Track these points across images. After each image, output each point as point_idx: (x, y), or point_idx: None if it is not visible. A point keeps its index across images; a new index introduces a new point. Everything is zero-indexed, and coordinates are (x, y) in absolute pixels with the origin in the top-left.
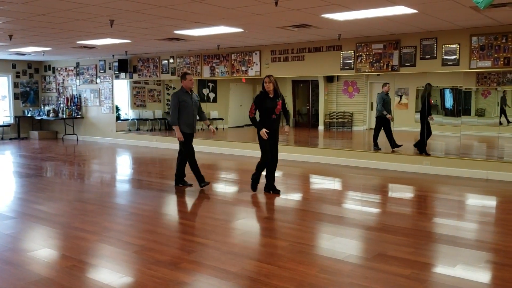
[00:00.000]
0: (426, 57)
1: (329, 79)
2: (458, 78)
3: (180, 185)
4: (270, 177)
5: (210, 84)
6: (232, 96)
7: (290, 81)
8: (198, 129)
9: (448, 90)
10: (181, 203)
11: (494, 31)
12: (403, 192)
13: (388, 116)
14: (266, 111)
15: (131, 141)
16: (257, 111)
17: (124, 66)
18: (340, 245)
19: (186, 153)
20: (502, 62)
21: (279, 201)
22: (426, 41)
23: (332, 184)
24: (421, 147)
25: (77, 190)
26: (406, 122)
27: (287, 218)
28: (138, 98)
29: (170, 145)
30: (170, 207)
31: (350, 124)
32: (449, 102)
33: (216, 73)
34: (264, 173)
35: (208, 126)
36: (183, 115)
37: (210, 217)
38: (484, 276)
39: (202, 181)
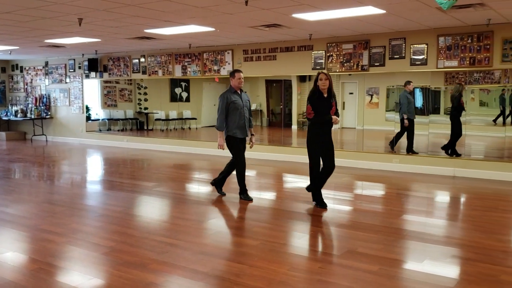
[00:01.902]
0: (395, 57)
1: (302, 79)
2: (426, 78)
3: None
4: (320, 187)
5: (183, 84)
6: (206, 95)
7: (263, 81)
8: (171, 129)
9: (418, 89)
10: (153, 204)
11: (460, 32)
12: (373, 190)
13: (405, 120)
14: (318, 113)
15: (102, 142)
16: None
17: (94, 65)
18: (310, 242)
19: (237, 161)
20: (468, 62)
21: (254, 200)
22: (395, 41)
23: (305, 183)
24: (452, 148)
25: (46, 192)
26: (377, 121)
27: (259, 217)
28: (108, 97)
29: (141, 145)
30: (141, 208)
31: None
32: (419, 101)
33: (188, 72)
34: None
35: (251, 135)
36: (233, 117)
37: (181, 218)
38: (450, 270)
39: (244, 193)
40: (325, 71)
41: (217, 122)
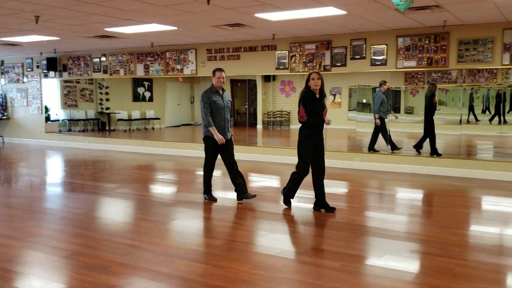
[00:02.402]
0: (356, 57)
1: (267, 79)
2: (386, 78)
3: (241, 200)
4: (320, 193)
5: (146, 83)
6: (169, 95)
7: (228, 81)
8: (133, 129)
9: (378, 89)
10: (115, 206)
11: (418, 33)
12: (336, 188)
13: (377, 120)
14: (312, 115)
15: (62, 143)
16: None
17: (53, 65)
18: (274, 241)
19: (206, 162)
20: (425, 62)
21: (218, 200)
22: (356, 42)
23: (270, 181)
24: (432, 149)
25: (2, 195)
26: (339, 121)
27: (223, 217)
28: (69, 97)
29: (103, 146)
30: (103, 210)
31: (287, 122)
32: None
33: (151, 72)
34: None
35: (230, 136)
36: (213, 118)
37: (144, 219)
38: (409, 264)
39: (209, 193)
40: (317, 70)
41: (204, 121)
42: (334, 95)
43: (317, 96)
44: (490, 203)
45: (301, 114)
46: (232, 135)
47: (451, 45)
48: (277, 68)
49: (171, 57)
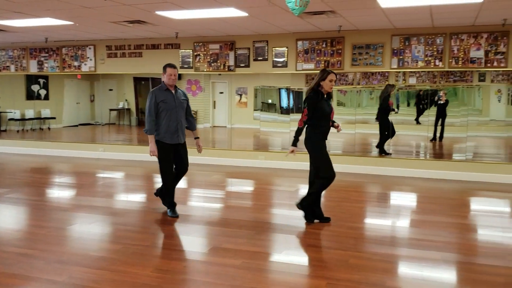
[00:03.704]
0: (259, 58)
1: None
2: (287, 79)
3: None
4: (318, 203)
5: (41, 80)
6: (67, 93)
7: (131, 78)
8: (27, 129)
9: (283, 90)
10: (4, 213)
11: (316, 37)
12: (240, 186)
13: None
14: (323, 116)
15: None
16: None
17: None
18: (176, 242)
19: (161, 171)
20: (323, 65)
21: (119, 203)
22: (258, 44)
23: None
24: (380, 148)
25: None
26: (245, 120)
27: (124, 221)
28: None
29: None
30: None
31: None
32: (284, 101)
33: (45, 68)
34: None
35: (195, 138)
36: (163, 120)
37: (38, 226)
38: (306, 258)
39: (172, 207)
40: (335, 71)
41: (146, 124)
42: (240, 95)
43: (325, 97)
44: (383, 197)
45: (302, 116)
46: (197, 137)
47: (346, 49)
48: (181, 67)
49: (67, 53)
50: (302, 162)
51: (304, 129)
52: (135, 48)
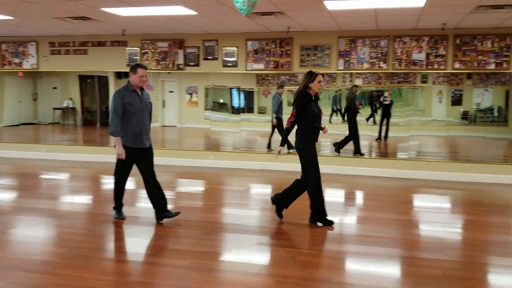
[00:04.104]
0: (209, 57)
1: (119, 75)
2: (237, 79)
3: (161, 220)
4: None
5: None
6: (8, 91)
7: (76, 76)
8: None
9: (235, 89)
10: None
11: (265, 37)
12: (190, 186)
13: (274, 119)
14: (313, 118)
15: None
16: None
17: None
18: (122, 245)
19: (117, 175)
20: (272, 65)
21: (64, 206)
22: (208, 43)
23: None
24: (356, 149)
25: None
26: (196, 119)
27: (68, 224)
28: None
29: None
30: None
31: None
32: (236, 101)
33: None
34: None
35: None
36: (128, 122)
37: None
38: (256, 257)
39: (119, 210)
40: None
41: (110, 126)
42: (191, 94)
43: (313, 98)
44: (330, 195)
45: (290, 117)
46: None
47: (295, 50)
48: (128, 65)
49: (7, 49)
50: (253, 162)
51: (295, 131)
52: (80, 45)
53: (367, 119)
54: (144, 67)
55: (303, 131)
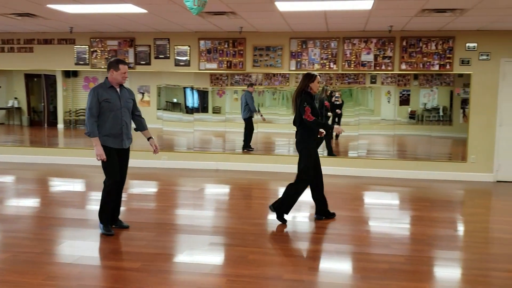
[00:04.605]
0: (160, 56)
1: (67, 74)
2: (190, 78)
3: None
4: (323, 201)
5: None
6: None
7: (22, 75)
8: None
9: (188, 89)
10: None
11: (218, 37)
12: (142, 188)
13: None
14: (317, 116)
15: None
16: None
17: None
18: (72, 248)
19: (107, 178)
20: (225, 65)
21: (9, 209)
22: (160, 41)
23: (72, 185)
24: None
25: None
26: (148, 119)
27: (15, 228)
28: None
29: None
30: None
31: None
32: (189, 100)
33: None
34: (300, 197)
35: (149, 139)
36: (106, 121)
37: None
38: (208, 257)
39: (116, 222)
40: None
41: (86, 127)
42: (143, 94)
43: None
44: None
45: (308, 114)
46: (151, 137)
47: (247, 50)
48: (76, 64)
49: None
50: (208, 162)
51: (296, 131)
52: (26, 42)
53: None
54: (126, 63)
55: (307, 130)
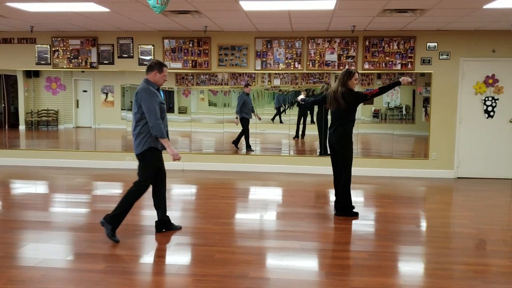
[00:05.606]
0: (124, 56)
1: (28, 74)
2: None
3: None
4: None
5: None
6: None
7: None
8: None
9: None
10: None
11: (183, 36)
12: (106, 189)
13: (236, 119)
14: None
15: None
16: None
17: None
18: (34, 251)
19: (146, 183)
20: (191, 65)
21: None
22: (123, 40)
23: (34, 187)
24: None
25: None
26: (112, 120)
27: None
28: None
29: None
30: None
31: (55, 122)
32: None
33: None
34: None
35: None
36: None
37: None
38: (174, 257)
39: (170, 226)
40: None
41: (155, 128)
42: (107, 94)
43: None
44: (249, 192)
45: (369, 91)
46: None
47: (212, 49)
48: (37, 63)
49: None
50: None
51: (333, 127)
52: None
53: (272, 119)
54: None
55: (350, 125)
